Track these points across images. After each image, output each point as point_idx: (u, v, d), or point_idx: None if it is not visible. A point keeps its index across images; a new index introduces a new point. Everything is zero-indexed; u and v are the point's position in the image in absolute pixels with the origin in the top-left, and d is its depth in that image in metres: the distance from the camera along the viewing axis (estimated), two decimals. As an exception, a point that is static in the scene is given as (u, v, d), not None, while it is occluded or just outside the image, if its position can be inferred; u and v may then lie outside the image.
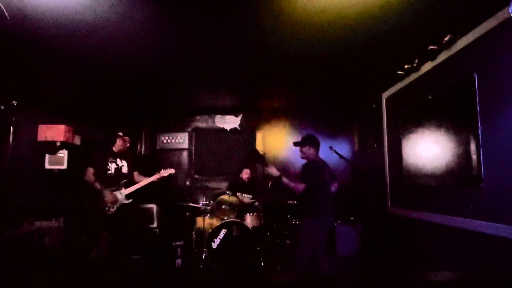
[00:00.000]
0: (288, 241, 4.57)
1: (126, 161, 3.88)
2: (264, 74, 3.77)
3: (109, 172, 3.72)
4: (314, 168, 3.22)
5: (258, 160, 3.40)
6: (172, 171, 3.97)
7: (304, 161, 3.36)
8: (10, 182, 4.07)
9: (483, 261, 2.42)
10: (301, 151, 3.37)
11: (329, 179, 3.29)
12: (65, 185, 4.77)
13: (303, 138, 3.41)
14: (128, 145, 3.89)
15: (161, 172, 3.91)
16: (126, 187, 3.74)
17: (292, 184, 3.09)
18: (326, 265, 3.08)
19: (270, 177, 3.27)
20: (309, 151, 3.31)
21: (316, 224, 3.09)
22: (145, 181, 3.84)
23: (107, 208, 3.58)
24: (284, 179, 3.11)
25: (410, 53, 3.08)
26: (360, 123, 5.07)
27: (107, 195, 3.57)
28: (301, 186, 3.06)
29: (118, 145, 3.80)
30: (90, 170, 3.62)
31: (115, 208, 3.62)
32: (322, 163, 3.35)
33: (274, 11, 2.31)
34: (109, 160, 3.76)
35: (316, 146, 3.33)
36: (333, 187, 3.39)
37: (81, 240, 4.03)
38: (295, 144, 3.42)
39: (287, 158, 5.59)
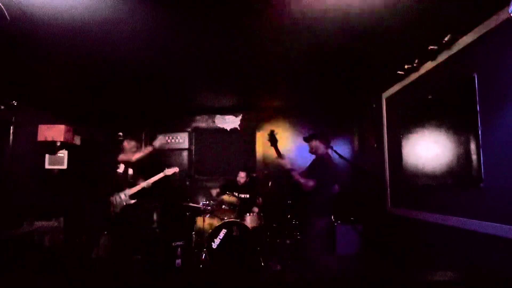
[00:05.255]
0: (288, 241, 4.56)
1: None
2: (264, 74, 3.77)
3: (118, 170, 3.78)
4: (325, 164, 3.13)
5: (274, 144, 3.32)
6: (176, 169, 4.02)
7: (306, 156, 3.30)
8: (10, 182, 4.07)
9: (483, 261, 2.42)
10: (309, 145, 3.29)
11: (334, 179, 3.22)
12: (65, 185, 4.77)
13: (311, 133, 3.32)
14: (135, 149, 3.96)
15: (165, 171, 3.94)
16: (130, 187, 3.76)
17: (302, 180, 2.98)
18: (328, 264, 3.09)
19: (282, 168, 3.16)
20: (317, 145, 3.20)
21: (324, 224, 3.06)
22: (149, 180, 3.87)
23: (112, 209, 3.61)
24: (295, 173, 3.02)
25: (410, 53, 3.08)
26: (360, 123, 5.07)
27: (116, 198, 3.63)
28: (311, 183, 2.94)
29: (127, 149, 3.88)
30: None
31: (119, 209, 3.65)
32: (332, 161, 3.25)
33: (274, 12, 2.32)
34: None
35: (325, 141, 3.21)
36: (334, 188, 3.33)
37: (81, 240, 4.04)
38: (304, 139, 3.35)
39: (287, 157, 5.58)
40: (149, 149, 3.91)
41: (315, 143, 3.22)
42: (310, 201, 3.09)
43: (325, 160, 3.17)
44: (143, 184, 3.83)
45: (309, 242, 3.13)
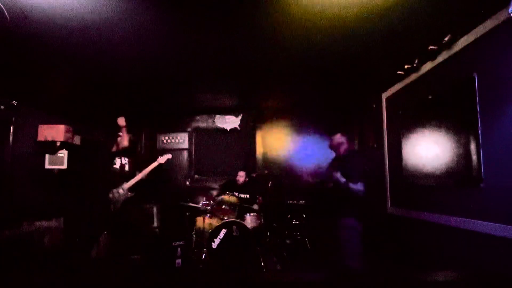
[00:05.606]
0: (288, 241, 4.56)
1: (129, 159, 3.92)
2: (264, 74, 3.77)
3: (115, 166, 3.78)
4: (362, 162, 3.02)
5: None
6: (169, 156, 4.02)
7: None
8: (10, 182, 4.07)
9: (483, 261, 2.42)
10: (332, 140, 3.14)
11: None
12: (65, 185, 4.77)
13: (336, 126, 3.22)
14: (127, 143, 3.94)
15: (158, 159, 3.94)
16: (127, 181, 3.77)
17: (357, 187, 2.82)
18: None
19: (335, 182, 2.93)
20: (341, 141, 3.06)
21: (357, 224, 2.97)
22: (144, 171, 3.87)
23: (112, 206, 3.61)
24: (351, 185, 2.83)
25: (410, 53, 3.08)
26: (360, 123, 5.06)
27: (115, 194, 3.63)
28: (362, 186, 2.83)
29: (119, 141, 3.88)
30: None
31: (119, 205, 3.65)
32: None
33: (274, 12, 2.32)
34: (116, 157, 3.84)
35: (349, 138, 3.09)
36: None
37: (81, 240, 4.04)
38: (328, 133, 3.25)
39: (287, 158, 5.59)
40: (124, 130, 3.91)
41: (340, 138, 3.10)
42: (341, 201, 2.96)
43: (357, 158, 3.07)
44: (140, 175, 3.84)
45: (339, 245, 2.96)
